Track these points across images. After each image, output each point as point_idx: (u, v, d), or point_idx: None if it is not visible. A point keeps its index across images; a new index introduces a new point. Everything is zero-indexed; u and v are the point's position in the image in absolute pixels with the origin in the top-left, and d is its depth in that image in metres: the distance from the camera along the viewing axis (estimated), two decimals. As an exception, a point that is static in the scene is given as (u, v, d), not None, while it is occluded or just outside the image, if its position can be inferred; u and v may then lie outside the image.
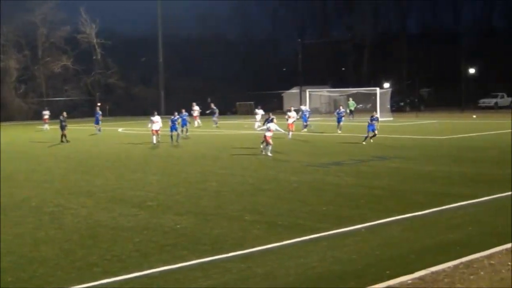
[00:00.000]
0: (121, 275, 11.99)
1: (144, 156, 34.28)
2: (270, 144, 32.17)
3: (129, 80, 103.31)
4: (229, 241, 14.44)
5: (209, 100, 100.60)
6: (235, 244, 14.05)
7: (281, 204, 18.98)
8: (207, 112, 64.43)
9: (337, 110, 50.03)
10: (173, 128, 41.85)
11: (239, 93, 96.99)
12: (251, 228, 15.74)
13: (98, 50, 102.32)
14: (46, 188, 23.40)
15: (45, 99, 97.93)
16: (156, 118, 41.53)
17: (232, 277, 11.72)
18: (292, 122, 45.21)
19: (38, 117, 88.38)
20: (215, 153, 34.87)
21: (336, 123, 48.40)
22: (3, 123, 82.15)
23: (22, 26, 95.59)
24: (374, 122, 39.12)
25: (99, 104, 61.46)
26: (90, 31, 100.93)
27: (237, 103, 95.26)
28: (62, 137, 45.25)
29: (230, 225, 16.15)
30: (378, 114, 41.88)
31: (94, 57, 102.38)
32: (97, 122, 56.27)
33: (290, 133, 43.59)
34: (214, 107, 61.77)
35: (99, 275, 11.98)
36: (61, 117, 47.01)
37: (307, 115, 53.07)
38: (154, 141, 41.05)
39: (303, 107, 54.81)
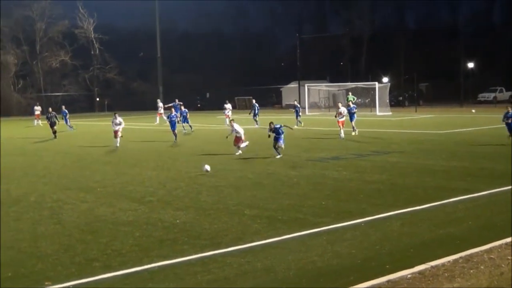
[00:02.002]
0: (121, 270, 11.99)
1: (142, 151, 34.27)
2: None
3: (127, 75, 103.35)
4: (229, 235, 14.44)
5: (207, 95, 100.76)
6: (235, 239, 14.05)
7: (280, 198, 18.98)
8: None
9: (348, 108, 43.10)
10: (173, 124, 39.97)
11: (238, 88, 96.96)
12: (250, 222, 15.74)
13: (96, 45, 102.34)
14: (44, 183, 23.38)
15: (43, 94, 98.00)
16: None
17: (232, 272, 11.72)
18: (343, 119, 39.70)
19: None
20: (214, 148, 34.86)
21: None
22: (2, 118, 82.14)
23: (20, 21, 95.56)
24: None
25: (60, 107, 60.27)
26: (88, 26, 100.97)
27: (236, 97, 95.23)
28: (54, 133, 45.16)
29: (230, 219, 16.15)
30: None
31: (92, 52, 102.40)
32: (66, 122, 55.16)
33: (342, 131, 39.07)
34: (255, 103, 54.80)
35: (99, 270, 11.98)
36: (47, 114, 46.96)
37: (299, 111, 52.52)
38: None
39: (296, 103, 54.21)
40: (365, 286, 10.59)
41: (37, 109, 65.56)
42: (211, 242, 13.88)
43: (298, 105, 52.70)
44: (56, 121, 46.33)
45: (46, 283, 11.30)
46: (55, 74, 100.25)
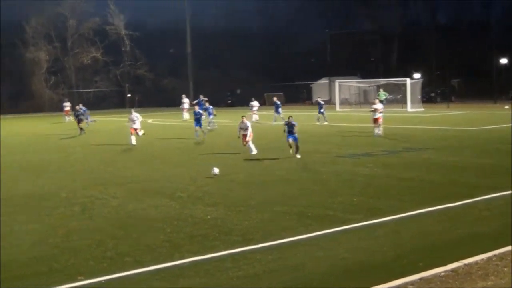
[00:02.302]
0: (152, 265, 12.04)
1: (171, 148, 34.40)
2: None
3: (157, 72, 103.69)
4: (259, 232, 14.43)
5: (238, 91, 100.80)
6: (265, 235, 14.03)
7: (310, 195, 18.93)
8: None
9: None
10: (197, 121, 38.90)
11: (268, 84, 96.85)
12: (280, 219, 15.72)
13: (127, 42, 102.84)
14: (76, 179, 23.58)
15: (75, 90, 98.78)
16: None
17: (262, 268, 11.71)
18: (379, 116, 37.97)
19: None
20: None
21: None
22: (33, 115, 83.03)
23: (51, 18, 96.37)
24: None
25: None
26: (118, 22, 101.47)
27: (266, 94, 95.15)
28: (81, 129, 45.32)
29: (260, 216, 16.14)
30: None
31: (123, 49, 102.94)
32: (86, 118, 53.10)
33: (380, 129, 37.86)
34: (276, 101, 55.98)
35: (130, 265, 12.04)
36: (75, 111, 47.04)
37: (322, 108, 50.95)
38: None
39: (319, 100, 53.09)
40: (398, 283, 10.51)
41: (67, 105, 65.81)
42: (242, 238, 13.88)
43: (322, 102, 52.14)
44: (83, 118, 46.58)
45: (79, 277, 11.39)
46: (86, 70, 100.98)
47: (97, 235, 14.54)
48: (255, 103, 56.88)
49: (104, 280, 11.24)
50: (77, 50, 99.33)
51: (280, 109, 53.52)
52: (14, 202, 19.09)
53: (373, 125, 38.32)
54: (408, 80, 71.82)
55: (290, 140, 28.37)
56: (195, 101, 56.94)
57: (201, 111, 40.82)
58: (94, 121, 54.50)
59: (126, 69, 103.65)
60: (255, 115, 54.40)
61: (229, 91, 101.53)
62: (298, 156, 27.80)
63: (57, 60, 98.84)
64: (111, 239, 14.17)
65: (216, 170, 23.04)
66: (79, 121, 45.83)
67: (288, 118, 28.86)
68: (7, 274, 11.78)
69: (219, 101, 58.62)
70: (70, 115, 61.41)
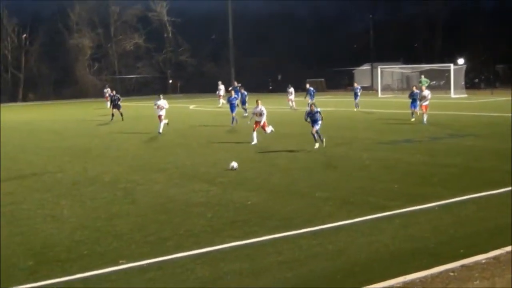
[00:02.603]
0: (193, 249, 12.11)
1: (212, 133, 34.49)
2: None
3: (199, 58, 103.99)
4: (300, 217, 14.42)
5: (279, 77, 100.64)
6: (306, 221, 14.01)
7: (352, 181, 18.86)
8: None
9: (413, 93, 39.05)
10: (232, 108, 38.85)
11: (309, 70, 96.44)
12: (322, 205, 15.68)
13: (169, 28, 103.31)
14: (118, 164, 23.82)
15: (117, 76, 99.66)
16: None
17: (303, 254, 11.71)
18: (427, 103, 36.92)
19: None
20: (284, 130, 34.79)
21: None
22: (77, 100, 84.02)
23: (94, 5, 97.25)
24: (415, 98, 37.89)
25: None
26: (161, 9, 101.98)
27: (308, 80, 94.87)
28: (112, 116, 44.81)
29: (301, 201, 16.13)
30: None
31: (165, 35, 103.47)
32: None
33: (426, 116, 36.37)
34: (310, 87, 53.23)
35: (172, 250, 12.13)
36: (111, 96, 46.92)
37: (358, 94, 50.50)
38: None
39: (356, 85, 52.24)
40: (439, 270, 10.43)
41: (107, 92, 66.27)
42: (283, 223, 13.89)
43: (359, 87, 51.42)
44: (120, 103, 45.73)
45: (121, 261, 11.51)
46: (129, 56, 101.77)
47: (139, 220, 14.69)
48: (291, 90, 55.69)
49: (146, 264, 11.34)
50: (120, 36, 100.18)
51: (313, 95, 52.35)
52: (60, 187, 19.37)
53: (421, 111, 37.05)
54: (452, 66, 70.93)
55: (315, 129, 26.16)
56: (230, 88, 56.93)
57: (236, 97, 40.78)
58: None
59: (168, 55, 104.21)
60: (291, 102, 53.67)
61: (270, 77, 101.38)
62: (323, 144, 26.11)
63: (100, 47, 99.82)
64: (153, 223, 14.29)
65: (234, 164, 21.35)
66: (114, 106, 45.52)
67: (310, 106, 27.23)
68: (50, 257, 11.97)
69: (260, 87, 58.31)
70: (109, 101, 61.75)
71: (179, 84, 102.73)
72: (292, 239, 12.63)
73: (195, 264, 11.29)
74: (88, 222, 14.60)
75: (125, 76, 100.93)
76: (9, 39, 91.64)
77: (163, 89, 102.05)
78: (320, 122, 26.24)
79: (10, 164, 24.71)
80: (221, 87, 62.03)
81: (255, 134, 28.73)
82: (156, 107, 35.39)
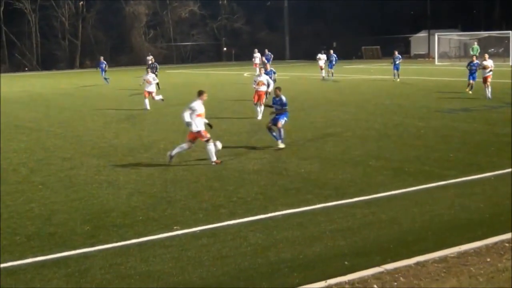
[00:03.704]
0: (247, 217, 12.21)
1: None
2: None
3: (254, 25, 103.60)
4: (353, 186, 14.38)
5: (334, 44, 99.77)
6: (360, 190, 13.98)
7: (407, 150, 18.68)
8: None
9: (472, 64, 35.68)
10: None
11: (365, 37, 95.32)
12: (376, 173, 15.60)
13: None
14: (173, 131, 23.98)
15: (173, 43, 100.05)
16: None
17: (356, 222, 11.69)
18: (490, 74, 32.96)
19: (167, 61, 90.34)
20: (340, 98, 34.61)
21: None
22: (133, 67, 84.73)
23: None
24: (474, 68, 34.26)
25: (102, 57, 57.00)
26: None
27: (363, 47, 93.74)
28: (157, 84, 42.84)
29: (355, 170, 16.07)
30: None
31: (220, 2, 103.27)
32: (102, 73, 53.05)
33: (488, 89, 32.41)
34: (333, 54, 52.08)
35: (225, 217, 12.24)
36: (150, 63, 45.28)
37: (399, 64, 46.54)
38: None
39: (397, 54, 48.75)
40: (494, 241, 10.31)
41: (149, 59, 65.03)
42: (336, 192, 13.87)
43: (399, 56, 47.20)
44: (157, 72, 43.53)
45: (175, 227, 11.67)
46: (184, 24, 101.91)
47: (193, 187, 14.83)
48: (323, 56, 52.30)
49: (199, 230, 11.48)
50: (175, 4, 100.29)
51: (333, 64, 50.38)
52: (116, 153, 19.66)
53: (483, 85, 33.17)
54: (511, 33, 69.24)
55: (280, 123, 19.71)
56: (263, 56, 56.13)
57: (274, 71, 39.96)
58: (108, 81, 52.26)
59: (223, 23, 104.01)
60: (323, 70, 51.08)
61: (325, 44, 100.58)
62: (283, 145, 19.57)
63: (155, 14, 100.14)
64: (207, 190, 14.42)
65: (219, 145, 17.90)
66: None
67: (275, 90, 21.06)
68: (107, 222, 12.20)
69: (315, 55, 57.59)
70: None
71: (233, 52, 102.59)
72: (345, 208, 12.62)
73: (248, 231, 11.37)
74: (143, 188, 14.81)
75: (180, 44, 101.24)
76: (66, 6, 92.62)
77: (218, 57, 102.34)
78: (285, 118, 20.12)
79: (68, 130, 25.18)
80: (257, 54, 60.88)
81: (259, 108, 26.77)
82: (145, 82, 32.76)
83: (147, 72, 34.39)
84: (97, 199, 13.92)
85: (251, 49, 66.30)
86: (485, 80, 32.97)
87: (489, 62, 33.51)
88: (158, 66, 45.47)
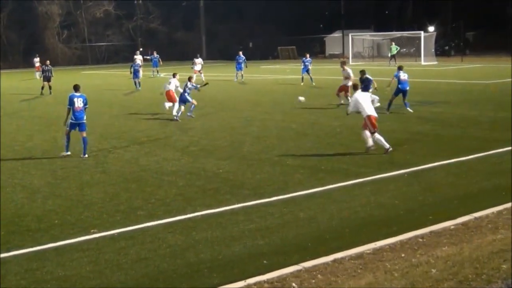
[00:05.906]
0: (165, 218, 12.14)
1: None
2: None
3: (170, 25, 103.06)
4: (271, 185, 14.48)
5: (250, 44, 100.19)
6: (278, 189, 14.09)
7: (323, 148, 18.95)
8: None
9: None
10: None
11: (281, 38, 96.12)
12: (293, 172, 15.75)
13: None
14: (88, 133, 23.54)
15: (87, 44, 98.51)
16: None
17: (275, 221, 11.79)
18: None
19: (82, 62, 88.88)
20: (257, 98, 34.81)
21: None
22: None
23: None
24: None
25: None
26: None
27: (279, 47, 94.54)
28: (42, 88, 41.35)
29: (273, 169, 16.19)
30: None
31: (135, 2, 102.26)
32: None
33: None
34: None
35: (144, 219, 12.15)
36: (43, 66, 43.22)
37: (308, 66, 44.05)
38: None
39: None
40: (408, 236, 10.56)
41: (37, 61, 61.08)
42: (254, 192, 13.95)
43: (309, 59, 44.64)
44: (51, 75, 42.27)
45: (92, 230, 11.50)
46: (99, 24, 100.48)
47: (111, 189, 14.65)
48: (199, 60, 51.51)
49: (117, 233, 11.35)
50: (90, 3, 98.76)
51: (242, 65, 48.64)
52: (30, 155, 19.20)
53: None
54: (422, 33, 71.17)
55: None
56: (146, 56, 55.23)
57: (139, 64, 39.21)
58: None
59: (139, 23, 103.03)
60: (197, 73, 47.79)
61: (241, 44, 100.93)
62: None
63: (69, 14, 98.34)
64: (124, 192, 14.27)
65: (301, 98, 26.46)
66: (45, 77, 41.95)
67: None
68: (22, 226, 11.92)
69: (231, 55, 57.59)
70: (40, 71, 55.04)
71: (149, 52, 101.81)
72: (263, 207, 12.71)
73: (167, 233, 11.32)
74: (59, 191, 14.54)
75: (94, 44, 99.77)
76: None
77: (134, 58, 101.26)
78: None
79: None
80: (197, 60, 57.37)
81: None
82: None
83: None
84: (11, 203, 13.58)
85: (167, 49, 65.84)
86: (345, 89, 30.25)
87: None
88: (52, 69, 43.09)
